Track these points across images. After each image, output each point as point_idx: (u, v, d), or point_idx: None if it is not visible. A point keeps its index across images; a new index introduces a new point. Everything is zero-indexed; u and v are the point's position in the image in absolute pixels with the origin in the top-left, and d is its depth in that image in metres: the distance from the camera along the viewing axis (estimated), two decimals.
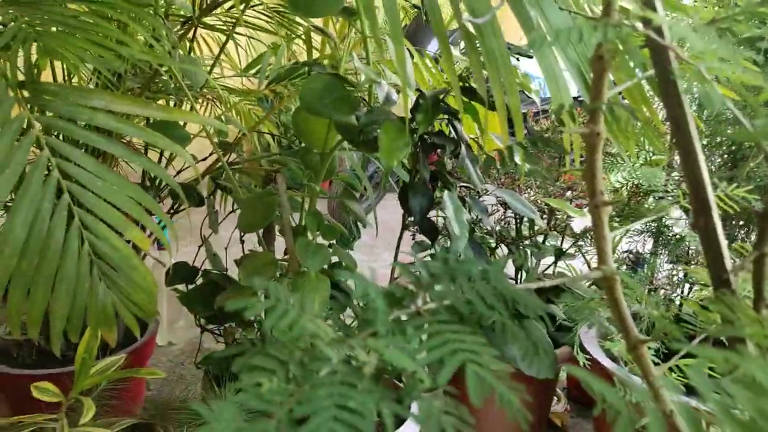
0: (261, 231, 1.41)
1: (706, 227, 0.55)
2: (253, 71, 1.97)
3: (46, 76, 1.12)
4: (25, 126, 0.72)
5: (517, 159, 0.98)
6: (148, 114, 0.75)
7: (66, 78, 1.20)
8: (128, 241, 0.79)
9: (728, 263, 0.52)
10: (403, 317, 0.52)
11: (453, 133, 1.08)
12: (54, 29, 0.81)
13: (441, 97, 1.06)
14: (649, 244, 1.23)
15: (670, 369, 0.99)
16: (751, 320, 0.42)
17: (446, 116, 1.06)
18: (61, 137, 0.75)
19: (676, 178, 1.14)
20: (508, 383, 0.38)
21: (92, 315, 0.71)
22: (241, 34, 1.75)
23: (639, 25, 0.50)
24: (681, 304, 1.10)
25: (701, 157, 0.55)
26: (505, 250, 1.48)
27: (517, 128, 0.73)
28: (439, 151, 1.09)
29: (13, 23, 0.80)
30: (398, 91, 1.17)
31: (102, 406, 1.12)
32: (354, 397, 0.36)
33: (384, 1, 0.71)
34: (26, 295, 0.70)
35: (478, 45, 0.72)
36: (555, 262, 1.51)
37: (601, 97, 0.64)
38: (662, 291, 1.13)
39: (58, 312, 0.69)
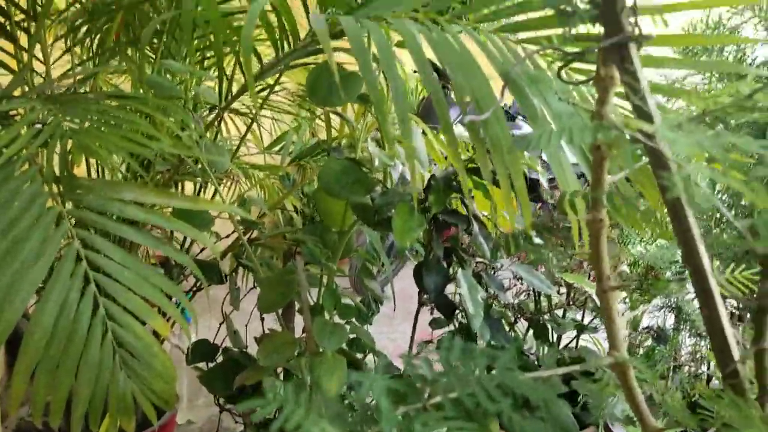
0: (281, 309, 1.43)
1: (710, 316, 0.55)
2: (276, 148, 2.05)
3: (79, 164, 1.20)
4: (57, 219, 0.76)
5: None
6: (174, 204, 0.80)
7: (98, 167, 1.27)
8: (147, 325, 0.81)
9: (735, 353, 0.52)
10: (411, 412, 0.52)
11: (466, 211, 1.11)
12: (87, 125, 0.87)
13: (453, 176, 1.10)
14: (671, 319, 1.21)
15: None
16: (752, 420, 0.42)
17: (458, 194, 1.09)
18: (91, 228, 0.80)
19: None
20: None
21: (112, 402, 0.73)
22: (265, 116, 1.84)
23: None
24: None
25: (701, 247, 0.56)
26: (526, 324, 1.47)
27: (524, 213, 0.75)
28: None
29: (51, 119, 0.87)
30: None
31: None
32: None
33: (392, 92, 0.76)
34: (52, 379, 0.72)
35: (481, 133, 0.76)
36: (576, 337, 1.49)
37: (601, 186, 0.67)
38: (686, 368, 1.10)
39: (80, 397, 0.71)
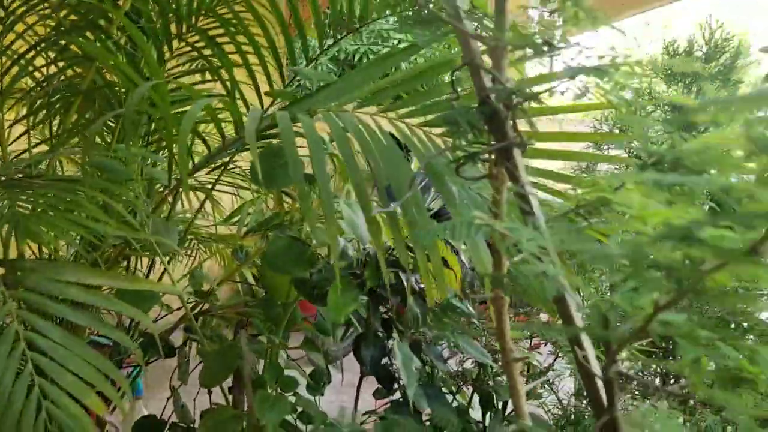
0: (230, 380, 1.45)
1: (588, 383, 0.62)
2: (234, 220, 2.11)
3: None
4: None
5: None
6: (117, 285, 0.85)
7: (49, 247, 1.31)
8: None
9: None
10: None
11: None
12: (36, 209, 0.92)
13: (390, 252, 1.17)
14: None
15: None
16: None
17: (395, 269, 1.16)
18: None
19: None
20: None
21: None
22: (220, 191, 1.91)
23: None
24: None
25: (577, 318, 0.63)
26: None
27: (440, 290, 0.82)
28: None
29: (2, 204, 0.92)
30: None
31: None
32: None
33: (318, 178, 0.84)
34: None
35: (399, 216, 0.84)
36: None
37: (500, 269, 0.75)
38: None
39: None
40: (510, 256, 0.72)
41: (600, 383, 0.62)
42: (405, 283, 1.16)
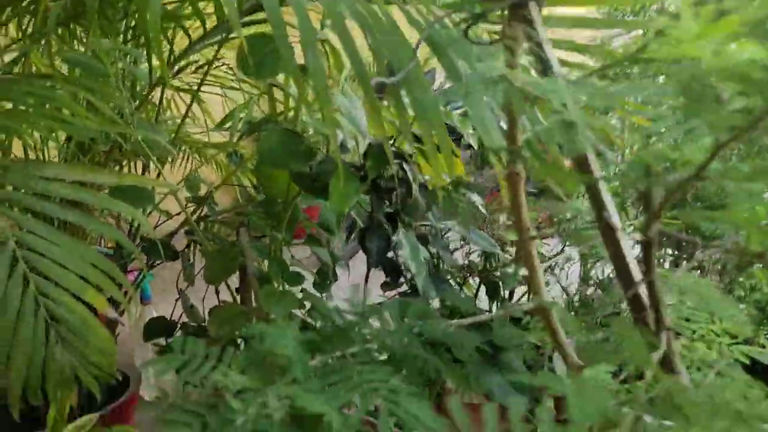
0: (237, 280, 1.44)
1: (615, 253, 0.59)
2: (226, 126, 2.03)
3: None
4: None
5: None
6: (98, 180, 0.80)
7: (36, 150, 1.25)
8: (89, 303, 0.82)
9: (637, 279, 0.56)
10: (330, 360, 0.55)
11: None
12: (12, 106, 0.86)
13: (392, 143, 1.11)
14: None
15: None
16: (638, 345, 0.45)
17: (398, 160, 1.11)
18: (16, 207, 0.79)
19: None
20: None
21: (50, 377, 0.74)
22: (207, 92, 1.81)
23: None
24: None
25: (604, 191, 0.59)
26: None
27: (447, 166, 0.78)
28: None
29: None
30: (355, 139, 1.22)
31: None
32: None
33: (310, 65, 0.76)
34: None
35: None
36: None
37: (516, 141, 0.69)
38: (625, 313, 1.16)
39: (15, 375, 0.72)
40: (523, 131, 0.67)
41: (629, 256, 0.59)
42: (409, 173, 1.11)
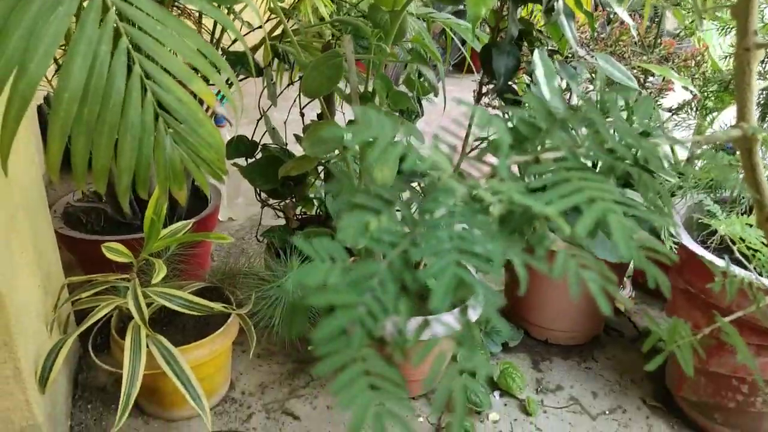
0: (323, 102, 1.33)
1: None
2: None
3: None
4: None
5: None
6: None
7: None
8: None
9: None
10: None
11: None
12: None
13: None
14: None
15: None
16: None
17: None
18: None
19: None
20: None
21: (160, 169, 0.68)
22: None
23: None
24: None
25: None
26: None
27: None
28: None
29: None
30: None
31: (171, 271, 1.13)
32: (480, 242, 0.30)
33: None
34: (90, 145, 0.66)
35: None
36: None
37: None
38: None
39: (124, 164, 0.65)
40: None
41: None
42: None
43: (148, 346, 0.99)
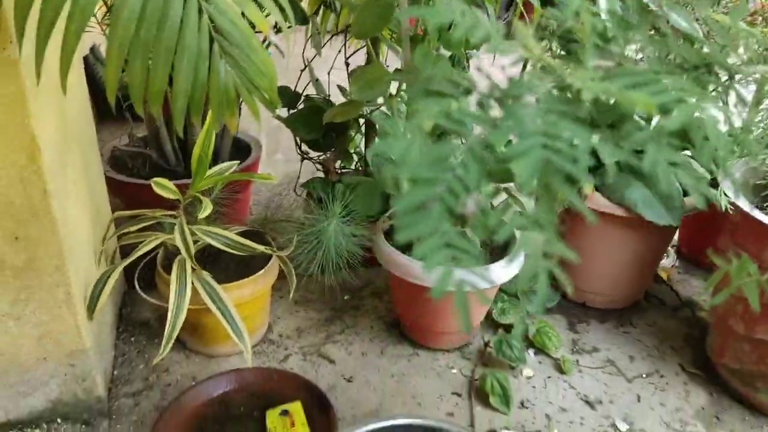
0: (370, 45, 1.31)
1: None
2: None
3: None
4: None
5: None
6: None
7: None
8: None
9: None
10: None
11: None
12: None
13: None
14: None
15: None
16: None
17: None
18: None
19: None
20: None
21: (213, 94, 0.68)
22: None
23: None
24: None
25: None
26: None
27: None
28: None
29: None
30: None
31: (213, 213, 1.15)
32: (568, 128, 0.29)
33: None
34: (147, 67, 0.66)
35: None
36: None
37: None
38: None
39: (180, 87, 0.66)
40: None
41: None
42: None
43: (192, 283, 1.01)
